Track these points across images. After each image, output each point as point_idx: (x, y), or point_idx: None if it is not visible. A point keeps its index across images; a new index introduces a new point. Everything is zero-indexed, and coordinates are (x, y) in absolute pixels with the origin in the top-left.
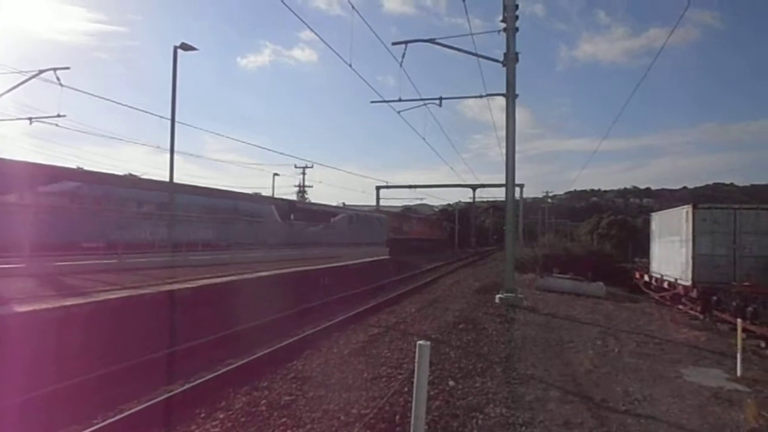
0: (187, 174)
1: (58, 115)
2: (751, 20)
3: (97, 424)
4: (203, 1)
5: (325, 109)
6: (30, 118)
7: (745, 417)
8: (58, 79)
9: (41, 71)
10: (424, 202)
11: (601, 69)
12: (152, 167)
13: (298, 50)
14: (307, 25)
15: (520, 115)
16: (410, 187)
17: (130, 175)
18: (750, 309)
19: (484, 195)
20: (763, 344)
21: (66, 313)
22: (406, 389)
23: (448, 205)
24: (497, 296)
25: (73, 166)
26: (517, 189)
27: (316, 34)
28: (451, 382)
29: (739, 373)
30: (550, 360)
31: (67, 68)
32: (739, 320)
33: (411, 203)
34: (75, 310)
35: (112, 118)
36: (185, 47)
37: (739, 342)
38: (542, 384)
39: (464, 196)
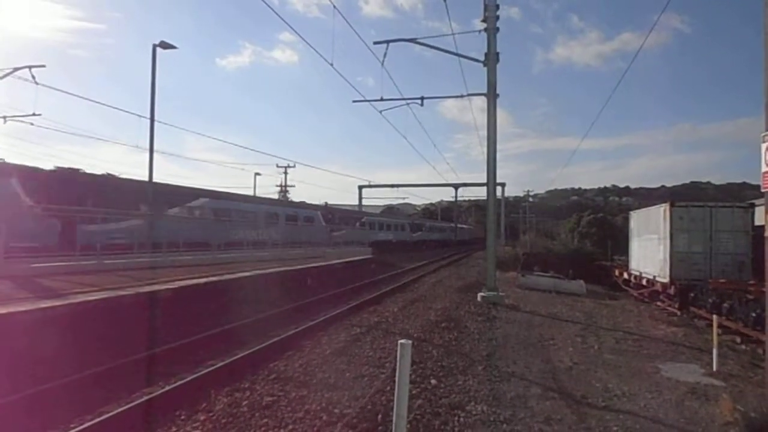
0: (168, 174)
1: (33, 114)
2: (718, 25)
3: (76, 427)
4: (182, 1)
5: (306, 109)
6: (4, 117)
7: (720, 411)
8: (33, 77)
9: (15, 69)
10: (406, 201)
11: (576, 72)
12: (131, 166)
13: (279, 51)
14: (288, 24)
15: (500, 115)
16: (392, 186)
17: (108, 174)
18: (726, 305)
19: (467, 194)
20: (738, 339)
21: (43, 315)
22: (388, 388)
23: (431, 204)
24: (479, 294)
25: (49, 165)
26: (499, 188)
27: (297, 33)
28: (434, 381)
29: (715, 368)
30: (531, 357)
31: (43, 66)
32: (715, 316)
33: (393, 202)
34: (52, 312)
35: (89, 117)
36: (164, 45)
37: (715, 338)
38: (523, 381)
39: (446, 195)
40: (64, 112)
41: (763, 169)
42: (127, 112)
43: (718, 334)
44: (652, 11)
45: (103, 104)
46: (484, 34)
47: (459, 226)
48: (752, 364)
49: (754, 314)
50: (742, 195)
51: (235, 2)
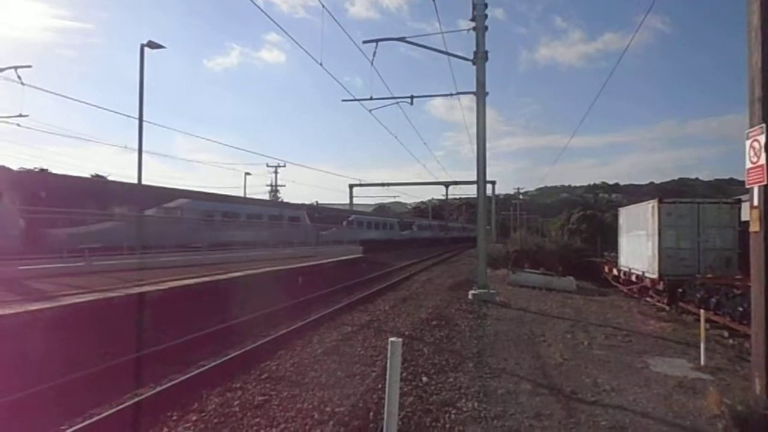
0: (158, 174)
1: (20, 115)
2: (697, 25)
3: (65, 430)
4: (169, 2)
5: (295, 109)
6: None
7: (707, 404)
8: (19, 77)
9: (1, 70)
10: (397, 200)
11: (561, 71)
12: (120, 168)
13: (266, 52)
14: (276, 24)
15: (489, 113)
16: (383, 185)
17: (96, 176)
18: (713, 300)
19: (457, 192)
20: (725, 334)
21: (31, 317)
22: (379, 386)
23: (421, 202)
24: (470, 292)
25: (36, 167)
26: (489, 186)
27: (286, 33)
28: (425, 378)
29: (702, 362)
30: (521, 354)
31: (29, 66)
32: (702, 311)
33: (384, 201)
34: (41, 314)
35: (77, 118)
36: (152, 45)
37: (703, 332)
38: (514, 377)
39: (437, 193)
40: (51, 113)
41: (748, 165)
42: (115, 112)
43: (706, 329)
44: (632, 12)
45: (91, 104)
46: (471, 35)
47: (406, 220)
48: (739, 358)
49: (740, 308)
50: (730, 190)
51: (221, 4)
